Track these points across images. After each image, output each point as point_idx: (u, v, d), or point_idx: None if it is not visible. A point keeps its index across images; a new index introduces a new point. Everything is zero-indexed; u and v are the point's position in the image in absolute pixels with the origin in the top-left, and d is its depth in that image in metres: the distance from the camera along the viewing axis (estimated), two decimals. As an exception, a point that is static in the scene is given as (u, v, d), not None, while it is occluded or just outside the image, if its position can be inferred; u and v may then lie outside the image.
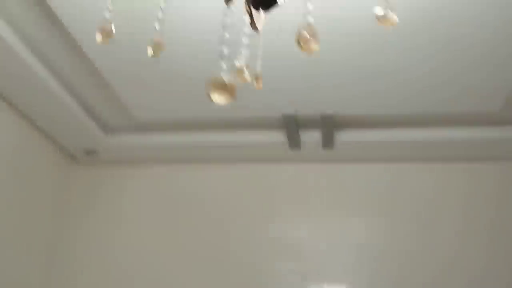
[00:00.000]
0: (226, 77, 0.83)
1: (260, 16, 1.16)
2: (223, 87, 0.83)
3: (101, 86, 2.55)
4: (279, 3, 1.14)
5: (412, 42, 2.04)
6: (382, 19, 0.94)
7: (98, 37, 1.03)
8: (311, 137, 2.77)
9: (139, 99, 2.64)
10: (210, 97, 0.84)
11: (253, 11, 1.12)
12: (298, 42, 0.92)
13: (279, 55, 2.14)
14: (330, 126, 2.64)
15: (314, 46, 0.90)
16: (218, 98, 0.83)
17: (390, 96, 2.43)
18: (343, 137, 2.76)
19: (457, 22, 1.92)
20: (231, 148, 2.93)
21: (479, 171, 2.86)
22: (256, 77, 1.12)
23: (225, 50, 0.87)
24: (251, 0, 1.08)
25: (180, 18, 1.98)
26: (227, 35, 0.88)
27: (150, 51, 0.95)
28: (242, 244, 2.90)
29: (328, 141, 2.75)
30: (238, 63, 1.04)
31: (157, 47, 0.94)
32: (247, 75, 1.04)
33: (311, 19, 0.93)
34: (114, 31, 1.05)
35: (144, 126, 2.90)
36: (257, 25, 1.13)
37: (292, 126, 2.65)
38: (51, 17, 2.07)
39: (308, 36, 0.90)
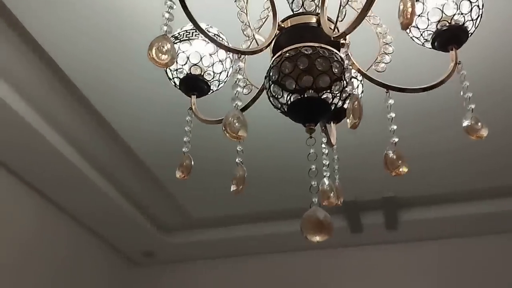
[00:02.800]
0: (321, 214, 0.79)
1: (333, 131, 1.15)
2: (321, 226, 0.79)
3: (156, 188, 2.58)
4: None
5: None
6: (470, 130, 0.91)
7: (178, 174, 1.03)
8: (373, 220, 2.68)
9: (195, 197, 2.64)
10: (306, 237, 0.80)
11: (327, 128, 1.11)
12: (387, 167, 0.90)
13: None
14: (392, 207, 2.56)
15: (403, 170, 0.88)
16: (316, 238, 0.80)
17: (449, 174, 2.35)
18: (407, 217, 2.66)
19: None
20: (291, 237, 2.85)
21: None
22: (337, 194, 1.08)
23: (314, 182, 0.84)
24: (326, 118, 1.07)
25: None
26: (313, 167, 0.86)
27: (233, 187, 0.94)
28: None
29: (391, 223, 2.65)
30: (322, 187, 1.01)
31: (240, 181, 0.94)
32: (332, 198, 1.01)
33: (396, 139, 0.91)
34: (193, 163, 1.06)
35: (201, 223, 2.88)
36: (332, 141, 1.12)
37: (352, 211, 2.58)
38: (108, 129, 2.15)
39: (396, 160, 0.88)
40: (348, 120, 0.77)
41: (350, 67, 0.96)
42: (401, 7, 0.68)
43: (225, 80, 1.16)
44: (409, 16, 0.65)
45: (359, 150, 2.18)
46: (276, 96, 0.92)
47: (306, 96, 0.88)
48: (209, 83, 1.13)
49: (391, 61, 1.04)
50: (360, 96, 1.19)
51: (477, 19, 0.97)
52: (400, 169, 0.90)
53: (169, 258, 3.14)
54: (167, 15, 0.82)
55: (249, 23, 0.95)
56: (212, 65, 1.13)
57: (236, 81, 0.88)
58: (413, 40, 1.02)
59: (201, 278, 3.10)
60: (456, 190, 2.51)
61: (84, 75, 1.85)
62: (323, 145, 1.06)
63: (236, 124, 0.83)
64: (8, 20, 1.59)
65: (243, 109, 1.06)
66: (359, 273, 2.86)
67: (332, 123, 1.15)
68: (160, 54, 0.78)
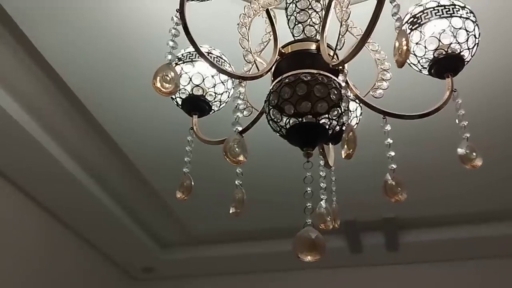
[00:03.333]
0: (313, 234, 0.81)
1: (331, 152, 1.16)
2: (312, 246, 0.81)
3: (156, 203, 2.58)
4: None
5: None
6: (464, 159, 0.93)
7: (178, 194, 1.05)
8: (373, 241, 2.68)
9: (195, 213, 2.64)
10: (298, 257, 0.81)
11: (325, 150, 1.12)
12: (386, 193, 0.91)
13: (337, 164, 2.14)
14: (393, 228, 2.55)
15: (402, 196, 0.89)
16: (307, 257, 0.81)
17: (450, 196, 2.35)
18: (408, 238, 2.65)
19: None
20: (291, 256, 2.84)
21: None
22: (334, 218, 1.10)
23: (309, 204, 0.86)
24: (323, 142, 1.09)
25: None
26: (309, 190, 0.88)
27: (232, 210, 0.96)
28: None
29: (392, 244, 2.64)
30: (319, 210, 1.03)
31: (239, 204, 0.95)
32: (329, 221, 1.02)
33: (394, 165, 0.93)
34: (193, 184, 1.07)
35: (201, 239, 2.88)
36: (330, 163, 1.13)
37: (352, 231, 2.57)
38: (108, 142, 2.15)
39: (396, 187, 0.89)
40: (342, 151, 0.78)
41: (348, 93, 0.98)
42: (396, 44, 0.70)
43: (226, 101, 1.18)
44: (403, 55, 0.67)
45: (359, 170, 2.18)
46: (275, 120, 0.94)
47: (304, 121, 0.90)
48: (210, 104, 1.15)
49: (389, 87, 1.06)
50: (359, 119, 1.21)
51: (473, 47, 0.99)
52: (399, 196, 0.91)
53: (168, 274, 3.14)
54: (171, 43, 0.84)
55: (250, 49, 0.98)
56: (214, 86, 1.15)
57: (236, 106, 0.90)
58: (411, 66, 1.04)
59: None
60: (457, 212, 2.51)
61: (86, 86, 1.85)
62: (321, 168, 1.07)
63: (236, 149, 0.85)
64: (13, 31, 1.61)
65: (242, 131, 1.08)
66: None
67: (330, 144, 1.16)
68: (164, 84, 0.81)
